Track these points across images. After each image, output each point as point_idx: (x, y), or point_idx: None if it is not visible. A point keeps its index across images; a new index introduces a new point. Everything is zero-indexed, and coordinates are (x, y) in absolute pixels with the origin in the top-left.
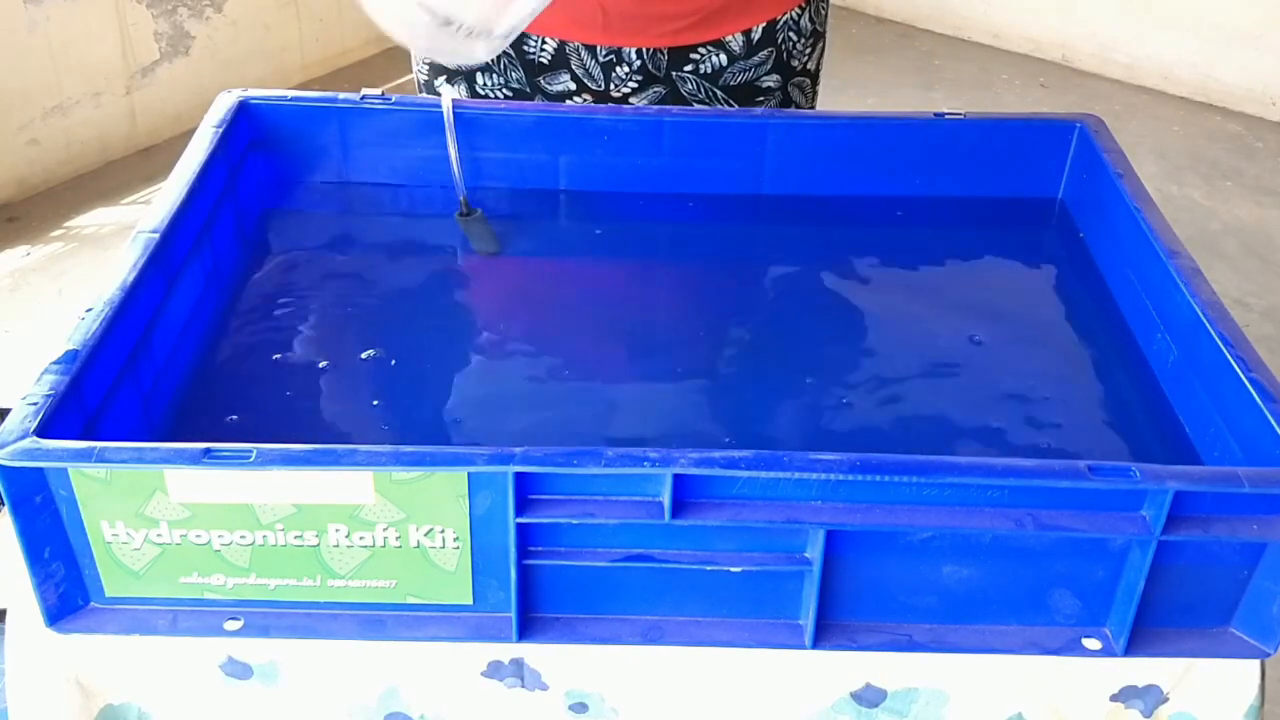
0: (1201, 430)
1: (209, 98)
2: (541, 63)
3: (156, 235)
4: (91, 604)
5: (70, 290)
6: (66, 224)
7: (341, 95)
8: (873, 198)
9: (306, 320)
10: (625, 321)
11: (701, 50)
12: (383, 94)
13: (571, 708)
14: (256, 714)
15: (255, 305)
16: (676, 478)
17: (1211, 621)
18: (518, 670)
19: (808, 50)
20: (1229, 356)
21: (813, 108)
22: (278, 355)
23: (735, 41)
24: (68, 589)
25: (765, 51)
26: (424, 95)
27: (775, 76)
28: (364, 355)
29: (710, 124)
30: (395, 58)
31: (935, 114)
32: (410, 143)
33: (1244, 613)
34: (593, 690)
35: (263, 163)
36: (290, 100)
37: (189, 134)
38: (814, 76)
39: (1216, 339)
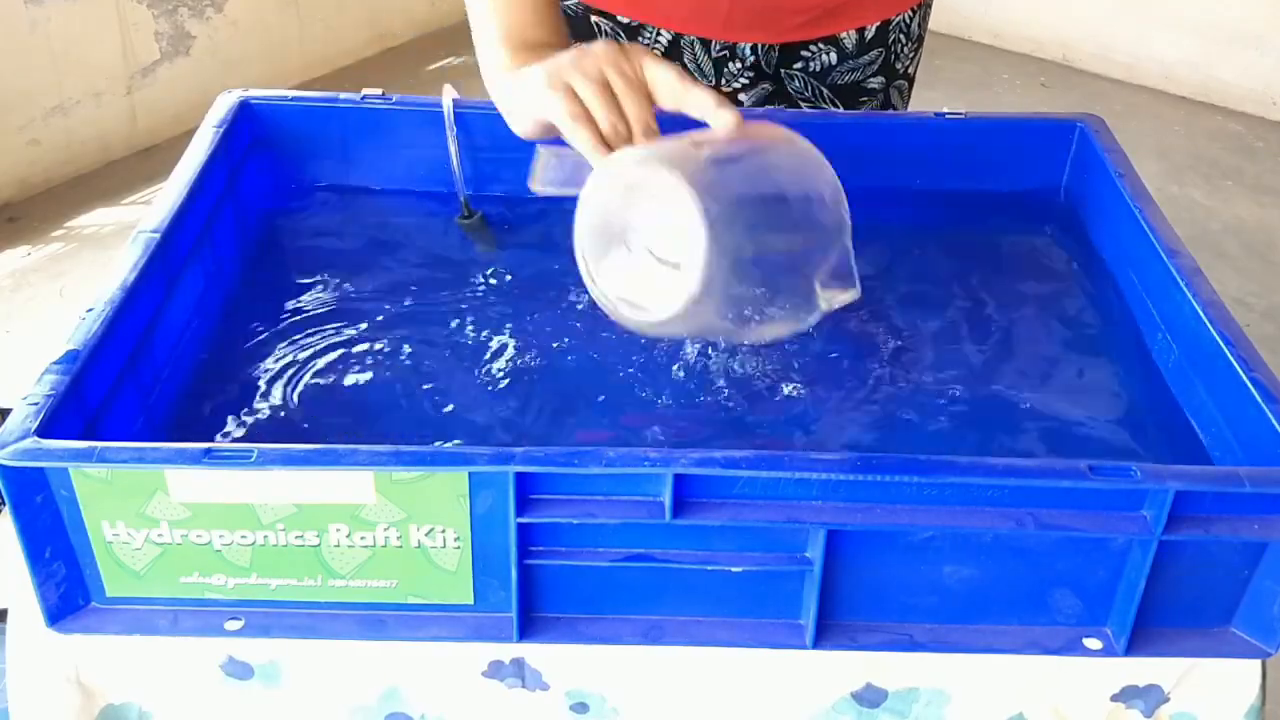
0: (1202, 430)
1: (210, 98)
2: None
3: (157, 235)
4: (92, 604)
5: (71, 290)
6: (67, 224)
7: (342, 95)
8: (873, 197)
9: (307, 320)
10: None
11: (814, 48)
12: (383, 94)
13: (572, 708)
14: (257, 714)
15: (255, 305)
16: (677, 477)
17: (1212, 621)
18: (518, 670)
19: (911, 54)
20: (1230, 356)
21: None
22: (278, 355)
23: (849, 39)
24: (68, 589)
25: (875, 51)
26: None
27: (880, 78)
28: (364, 355)
29: None
30: (396, 58)
31: (936, 114)
32: (411, 143)
33: (1245, 612)
34: (593, 690)
35: (263, 163)
36: (291, 100)
37: (190, 134)
38: (912, 81)
39: (1217, 339)
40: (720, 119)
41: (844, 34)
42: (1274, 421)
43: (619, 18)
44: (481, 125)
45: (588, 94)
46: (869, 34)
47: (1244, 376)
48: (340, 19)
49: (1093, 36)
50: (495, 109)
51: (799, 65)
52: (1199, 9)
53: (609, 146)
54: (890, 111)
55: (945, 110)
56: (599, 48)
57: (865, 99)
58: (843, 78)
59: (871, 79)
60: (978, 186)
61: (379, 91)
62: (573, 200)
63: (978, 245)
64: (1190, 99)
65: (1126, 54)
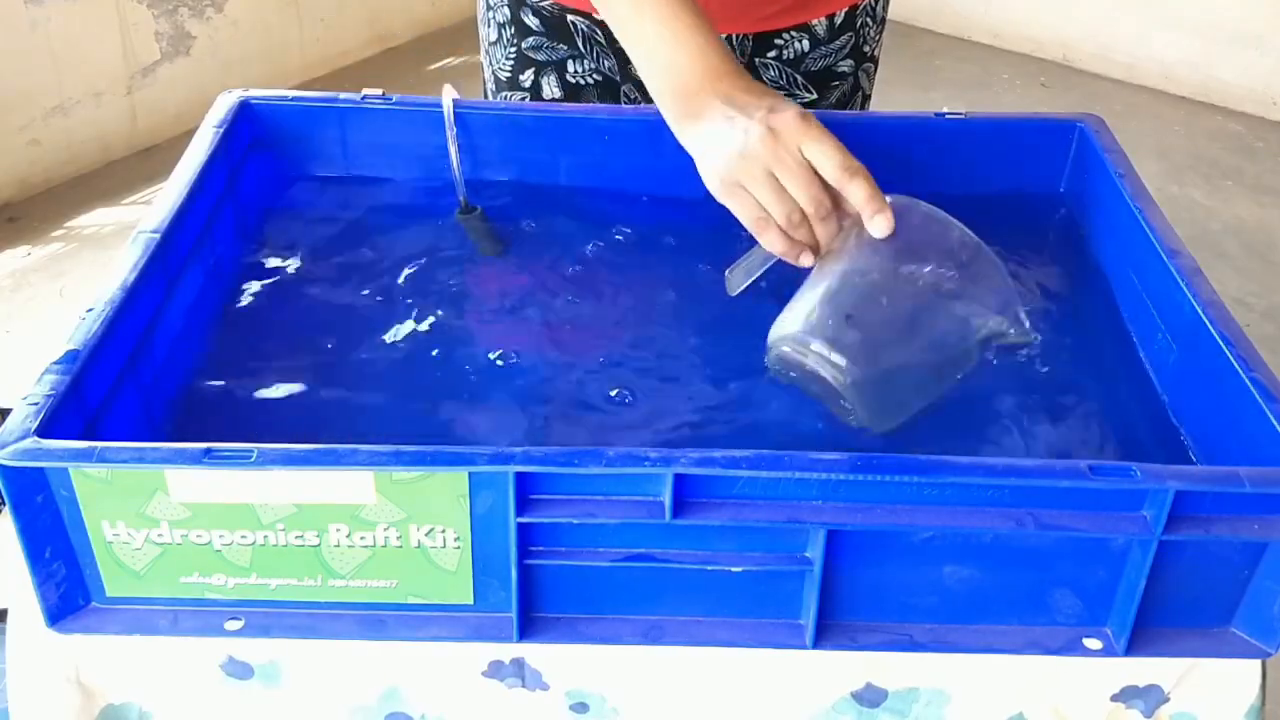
0: (1202, 430)
1: (210, 98)
2: None
3: (157, 235)
4: (92, 604)
5: (71, 290)
6: (67, 224)
7: (342, 95)
8: None
9: (307, 320)
10: (626, 321)
11: (787, 36)
12: (383, 94)
13: (572, 708)
14: (257, 714)
15: (255, 305)
16: (677, 477)
17: (1212, 621)
18: (518, 670)
19: (877, 36)
20: (1230, 356)
21: (871, 93)
22: (278, 355)
23: (820, 26)
24: (68, 589)
25: (845, 36)
26: (497, 96)
27: (850, 62)
28: (364, 355)
29: None
30: (396, 58)
31: (936, 114)
32: (411, 142)
33: (1245, 612)
34: (593, 690)
35: (263, 162)
36: (291, 100)
37: (190, 134)
38: (877, 63)
39: (1217, 339)
40: (875, 226)
41: (815, 21)
42: (1274, 421)
43: (595, 15)
44: (481, 125)
45: (762, 198)
46: (838, 20)
47: (1244, 376)
48: (340, 19)
49: (1093, 36)
50: (496, 108)
51: (773, 54)
52: (1199, 9)
53: (794, 244)
54: (890, 111)
55: (945, 110)
56: (758, 129)
57: (836, 83)
58: (815, 64)
59: (842, 63)
60: (977, 187)
61: (379, 91)
62: (574, 200)
63: None
64: (1190, 99)
65: (1126, 54)
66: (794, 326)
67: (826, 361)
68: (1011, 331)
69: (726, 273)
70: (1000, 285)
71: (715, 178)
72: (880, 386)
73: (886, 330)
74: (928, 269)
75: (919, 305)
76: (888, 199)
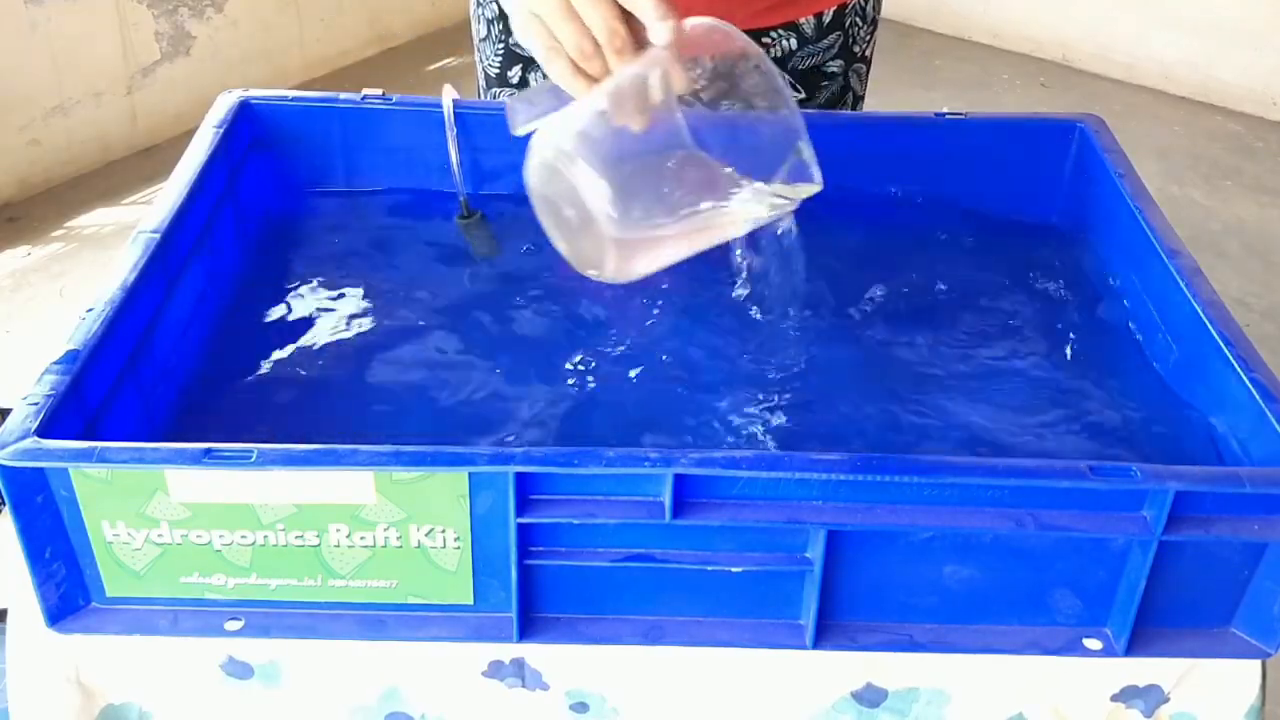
0: (1202, 430)
1: (210, 98)
2: None
3: (157, 235)
4: (92, 604)
5: (71, 290)
6: (67, 224)
7: (342, 95)
8: (872, 198)
9: (307, 320)
10: (625, 322)
11: (774, 34)
12: (383, 94)
13: (572, 708)
14: (257, 714)
15: (255, 305)
16: (677, 478)
17: (1212, 622)
18: (518, 670)
19: (867, 37)
20: (1230, 356)
21: (864, 95)
22: (278, 355)
23: (807, 25)
24: (68, 589)
25: (833, 36)
26: (487, 95)
27: (839, 62)
28: (364, 355)
29: None
30: (396, 58)
31: (936, 114)
32: (411, 143)
33: (1245, 613)
34: (593, 690)
35: (263, 163)
36: (291, 100)
37: (190, 134)
38: (869, 64)
39: (1217, 339)
40: (657, 34)
41: (803, 20)
42: (1274, 421)
43: None
44: (481, 125)
45: (554, 25)
46: (827, 18)
47: (1244, 376)
48: (340, 19)
49: (1092, 36)
50: (495, 109)
51: None
52: (1199, 9)
53: (583, 75)
54: (890, 112)
55: (945, 110)
56: None
57: (826, 83)
58: (803, 62)
59: (831, 62)
60: (977, 187)
61: (379, 91)
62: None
63: (977, 246)
64: (1190, 99)
65: (1126, 54)
66: (565, 141)
67: (592, 182)
68: (802, 180)
69: (508, 103)
70: (787, 132)
71: (518, 13)
72: (634, 221)
73: (651, 172)
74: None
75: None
76: (704, 23)
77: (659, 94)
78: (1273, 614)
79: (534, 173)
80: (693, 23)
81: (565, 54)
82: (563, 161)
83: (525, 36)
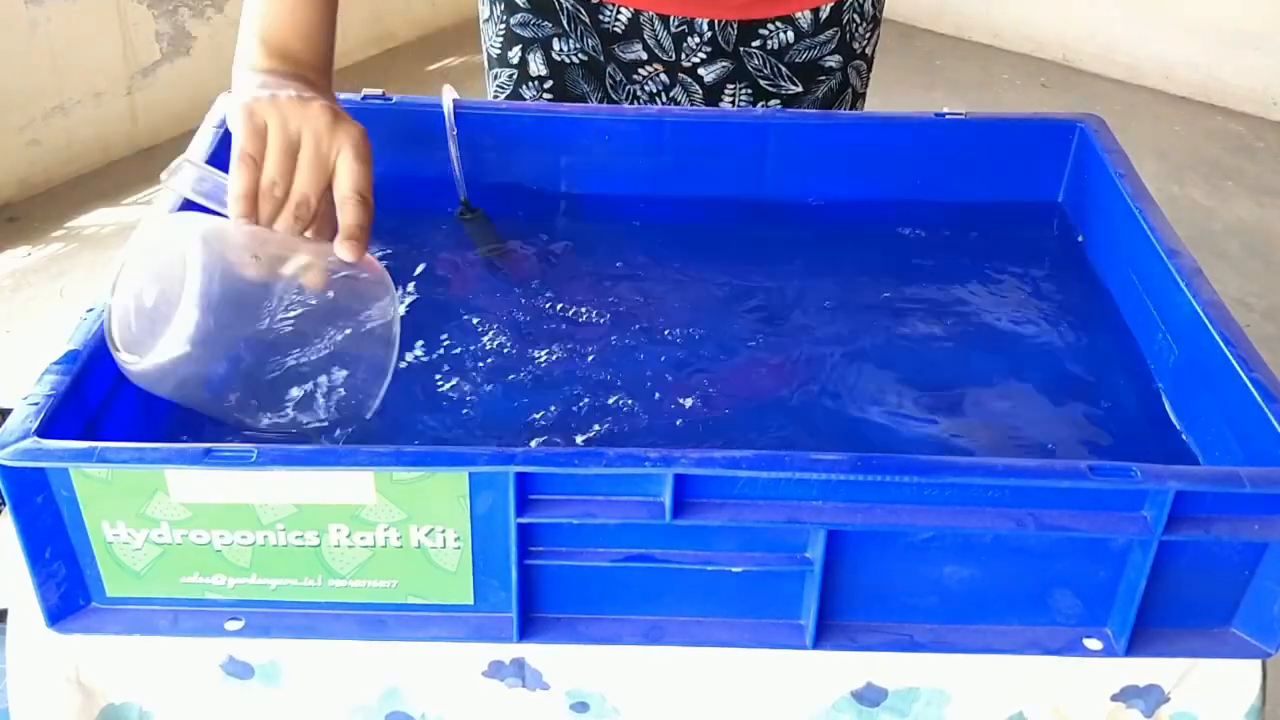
0: (1202, 430)
1: (210, 98)
2: (615, 31)
3: None
4: (92, 604)
5: (71, 290)
6: (67, 224)
7: (342, 95)
8: (873, 198)
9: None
10: (625, 321)
11: (770, 26)
12: (383, 94)
13: (572, 707)
14: (257, 714)
15: None
16: (677, 478)
17: (1213, 621)
18: (519, 670)
19: (867, 35)
20: (1230, 356)
21: (865, 93)
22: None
23: (804, 19)
24: (69, 589)
25: (830, 31)
26: (491, 74)
27: (837, 57)
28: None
29: (711, 124)
30: (396, 58)
31: (936, 114)
32: (411, 142)
33: (1245, 613)
34: (594, 690)
35: None
36: None
37: (190, 134)
38: (870, 62)
39: (1218, 339)
40: (343, 250)
41: (799, 14)
42: (1274, 421)
43: None
44: (482, 125)
45: (273, 144)
46: (823, 14)
47: (1244, 376)
48: (340, 19)
49: (1093, 36)
50: (496, 108)
51: (757, 43)
52: (1199, 9)
53: (252, 201)
54: (890, 112)
55: (945, 110)
56: (318, 111)
57: (823, 77)
58: (800, 55)
59: (828, 57)
60: (977, 187)
61: (379, 91)
62: (574, 200)
63: (977, 245)
64: (1190, 99)
65: (1126, 54)
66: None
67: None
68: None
69: (184, 160)
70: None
71: (251, 101)
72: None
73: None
74: (331, 302)
75: (301, 319)
76: (381, 274)
77: (289, 271)
78: (1273, 614)
79: (156, 231)
80: (371, 264)
81: (254, 175)
82: (192, 251)
83: (241, 121)
